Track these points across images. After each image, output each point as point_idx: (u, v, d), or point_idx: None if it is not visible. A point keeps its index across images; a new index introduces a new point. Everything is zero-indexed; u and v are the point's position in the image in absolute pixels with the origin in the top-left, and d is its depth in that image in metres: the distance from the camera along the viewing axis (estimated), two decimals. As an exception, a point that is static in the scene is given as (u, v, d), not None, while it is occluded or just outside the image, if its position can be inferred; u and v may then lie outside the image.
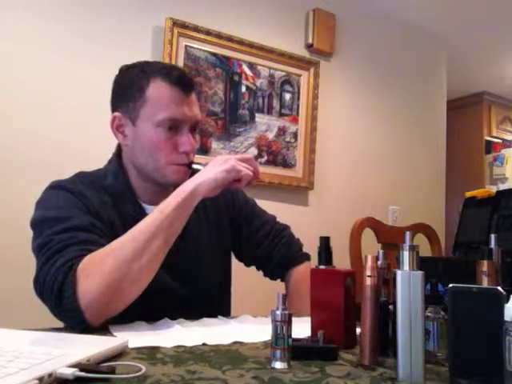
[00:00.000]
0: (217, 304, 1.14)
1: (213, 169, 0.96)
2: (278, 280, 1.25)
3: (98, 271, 0.83)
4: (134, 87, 1.03)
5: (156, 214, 0.91)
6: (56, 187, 1.02)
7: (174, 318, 0.96)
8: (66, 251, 0.87)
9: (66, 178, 1.07)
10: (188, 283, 1.07)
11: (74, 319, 0.83)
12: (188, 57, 2.35)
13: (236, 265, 1.26)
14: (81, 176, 1.08)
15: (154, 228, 0.89)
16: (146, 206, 1.08)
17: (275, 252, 1.21)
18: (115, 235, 0.93)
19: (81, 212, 0.96)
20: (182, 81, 1.03)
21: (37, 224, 0.96)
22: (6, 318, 1.56)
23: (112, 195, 1.05)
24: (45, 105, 2.03)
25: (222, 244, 1.19)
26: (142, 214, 1.02)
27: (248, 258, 1.25)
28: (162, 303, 0.99)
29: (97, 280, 0.83)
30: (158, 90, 1.02)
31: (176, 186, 1.00)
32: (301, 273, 1.18)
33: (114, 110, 1.08)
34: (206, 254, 1.13)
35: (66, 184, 1.02)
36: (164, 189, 1.06)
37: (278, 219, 1.29)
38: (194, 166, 1.04)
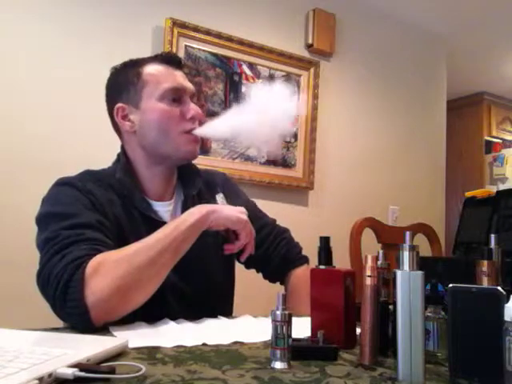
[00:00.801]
0: (218, 304, 1.14)
1: (232, 208, 1.04)
2: (278, 283, 1.26)
3: (111, 273, 0.84)
4: (131, 74, 1.08)
5: (172, 228, 0.93)
6: (63, 184, 1.02)
7: (175, 316, 0.96)
8: (73, 248, 0.86)
9: (74, 174, 1.07)
10: (191, 282, 1.07)
11: (76, 317, 0.82)
12: (188, 57, 2.35)
13: (236, 265, 1.26)
14: (88, 173, 1.08)
15: (169, 240, 0.90)
16: (152, 202, 1.09)
17: (275, 254, 1.22)
18: (122, 232, 0.94)
19: (87, 209, 0.96)
20: (171, 58, 1.12)
21: (42, 219, 0.96)
22: (6, 317, 1.56)
23: (119, 193, 1.05)
24: (45, 105, 2.03)
25: (225, 244, 1.19)
26: (150, 211, 1.05)
27: (247, 259, 1.25)
28: (164, 301, 0.99)
29: (108, 281, 0.83)
30: (152, 70, 1.08)
31: (189, 160, 1.11)
32: (300, 275, 1.19)
33: (113, 104, 1.09)
34: (210, 253, 1.13)
35: (73, 181, 1.02)
36: (172, 175, 1.12)
37: (277, 220, 1.29)
38: (218, 199, 1.15)
